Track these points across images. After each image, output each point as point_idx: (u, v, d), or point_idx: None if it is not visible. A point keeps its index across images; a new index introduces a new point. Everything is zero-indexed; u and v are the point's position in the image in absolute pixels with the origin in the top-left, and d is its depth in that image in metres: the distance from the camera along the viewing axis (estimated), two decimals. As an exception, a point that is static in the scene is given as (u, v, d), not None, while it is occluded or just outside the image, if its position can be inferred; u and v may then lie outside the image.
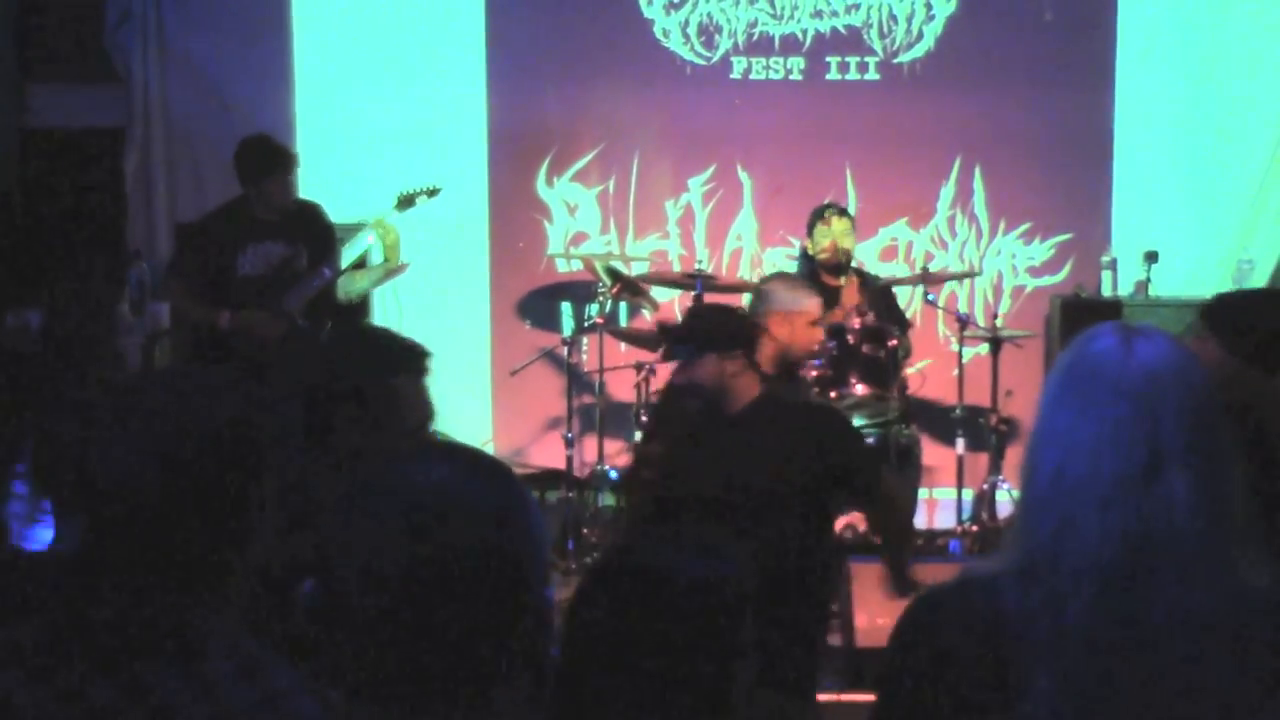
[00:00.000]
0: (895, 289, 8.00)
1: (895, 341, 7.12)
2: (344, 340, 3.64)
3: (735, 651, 2.22)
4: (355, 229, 7.50)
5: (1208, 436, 2.09)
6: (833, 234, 7.68)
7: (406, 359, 3.33)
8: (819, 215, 7.79)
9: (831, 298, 7.50)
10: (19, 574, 3.24)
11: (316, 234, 7.14)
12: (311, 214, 7.22)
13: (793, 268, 8.36)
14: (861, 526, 6.70)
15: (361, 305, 7.80)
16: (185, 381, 2.09)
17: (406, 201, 7.53)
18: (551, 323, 8.70)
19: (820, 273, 7.72)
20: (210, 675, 1.90)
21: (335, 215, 7.48)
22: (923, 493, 8.02)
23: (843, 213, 7.80)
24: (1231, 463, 2.10)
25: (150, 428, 1.97)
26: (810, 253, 7.79)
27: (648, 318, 8.20)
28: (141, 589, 1.94)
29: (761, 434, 4.50)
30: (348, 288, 7.42)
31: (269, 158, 6.98)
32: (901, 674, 2.16)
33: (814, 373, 6.92)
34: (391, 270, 7.65)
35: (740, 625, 2.23)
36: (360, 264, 7.45)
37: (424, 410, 3.34)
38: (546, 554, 1.90)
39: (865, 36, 8.67)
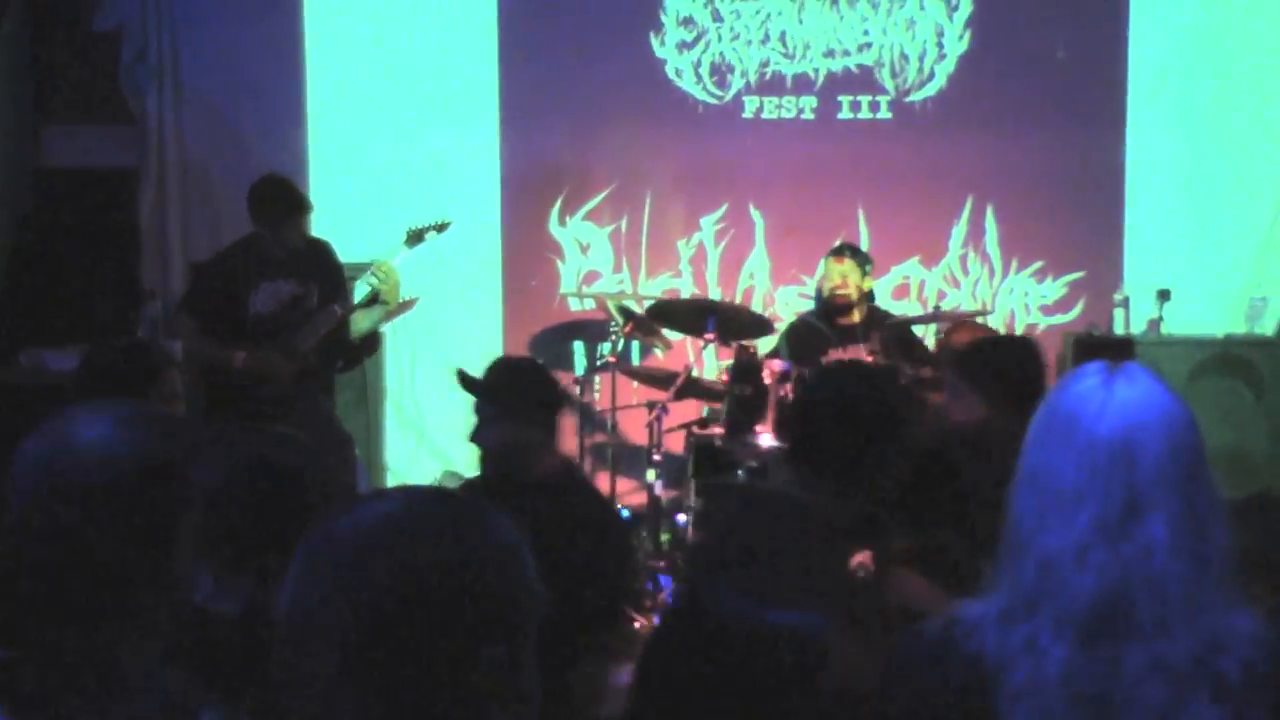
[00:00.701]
0: (915, 330, 8.01)
1: (905, 380, 7.11)
2: None
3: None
4: (367, 268, 7.51)
5: (1186, 481, 2.08)
6: (838, 274, 7.71)
7: None
8: (828, 255, 7.84)
9: (844, 336, 7.52)
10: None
11: (327, 272, 7.15)
12: (322, 252, 7.23)
13: (805, 306, 8.40)
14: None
15: (370, 343, 7.80)
16: (111, 415, 2.07)
17: (416, 237, 7.52)
18: (564, 361, 8.69)
19: (831, 312, 7.75)
20: (135, 713, 1.89)
21: (348, 254, 7.49)
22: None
23: (847, 253, 7.80)
24: (1211, 507, 2.10)
25: (74, 462, 1.96)
26: (822, 293, 7.83)
27: (660, 356, 8.20)
28: (64, 625, 1.93)
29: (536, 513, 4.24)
30: (354, 326, 7.43)
31: (283, 201, 7.00)
32: (884, 713, 2.16)
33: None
34: (395, 309, 7.64)
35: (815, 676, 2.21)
36: (372, 300, 7.45)
37: None
38: (527, 597, 1.75)
39: (877, 75, 8.69)
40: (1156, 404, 2.12)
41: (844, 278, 7.72)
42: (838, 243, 8.08)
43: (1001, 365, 4.42)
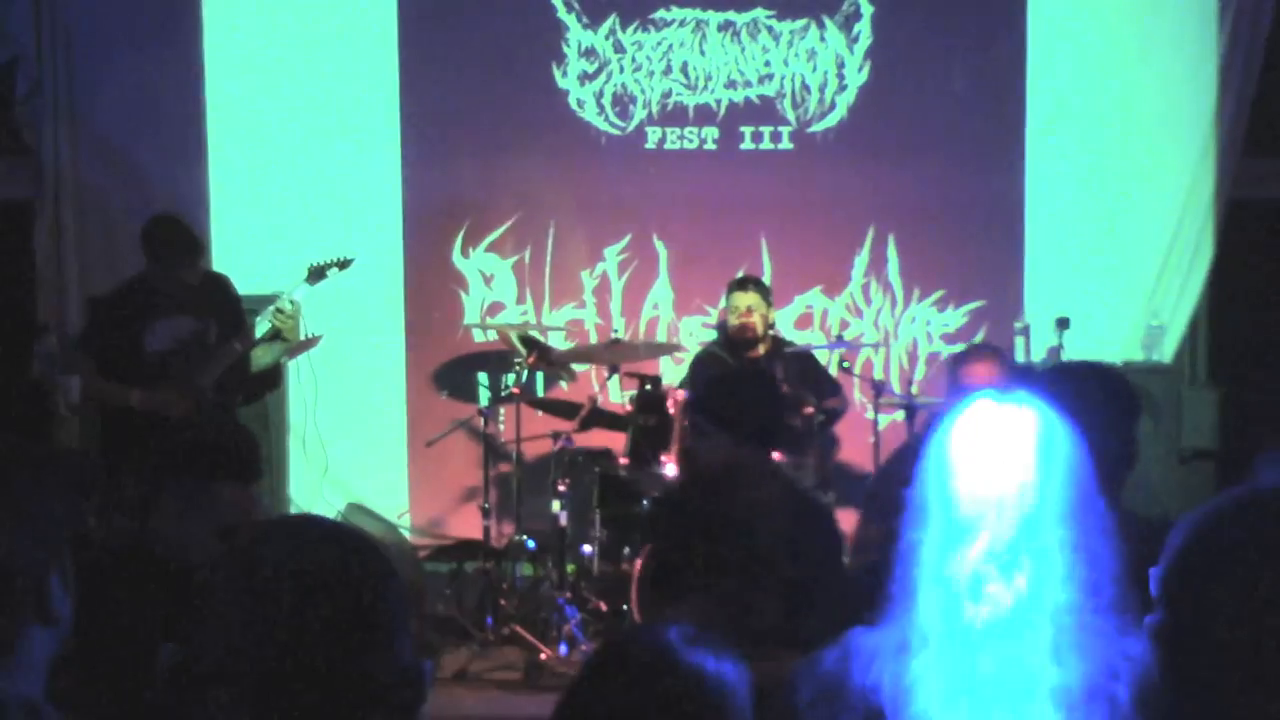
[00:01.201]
0: (816, 355, 8.05)
1: (811, 409, 7.15)
2: None
3: None
4: (269, 301, 7.44)
5: (1077, 508, 2.10)
6: (744, 304, 7.74)
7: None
8: (728, 288, 7.87)
9: (748, 367, 7.54)
10: None
11: (225, 307, 7.07)
12: (220, 287, 7.16)
13: (709, 336, 8.43)
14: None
15: (272, 377, 7.73)
16: None
17: (317, 274, 7.47)
18: (468, 393, 8.67)
19: (738, 344, 7.78)
20: None
21: (250, 288, 7.43)
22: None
23: (750, 285, 7.84)
24: (1103, 531, 2.11)
25: None
26: (724, 324, 7.87)
27: (564, 388, 8.19)
28: None
29: None
30: (255, 362, 7.36)
31: (176, 243, 6.88)
32: None
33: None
34: (296, 347, 7.58)
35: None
36: (273, 335, 7.39)
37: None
38: (408, 623, 1.90)
39: (778, 106, 8.74)
40: (1049, 435, 2.14)
41: (750, 309, 7.76)
42: (740, 274, 8.12)
43: (745, 401, 4.43)
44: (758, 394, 4.53)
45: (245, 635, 1.78)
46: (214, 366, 6.93)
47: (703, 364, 7.89)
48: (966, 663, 2.05)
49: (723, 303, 8.12)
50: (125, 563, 3.45)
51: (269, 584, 1.80)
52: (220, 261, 8.20)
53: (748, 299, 7.79)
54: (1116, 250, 8.76)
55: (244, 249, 8.43)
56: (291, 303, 7.28)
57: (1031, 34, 8.74)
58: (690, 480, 4.37)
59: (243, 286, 7.34)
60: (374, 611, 1.84)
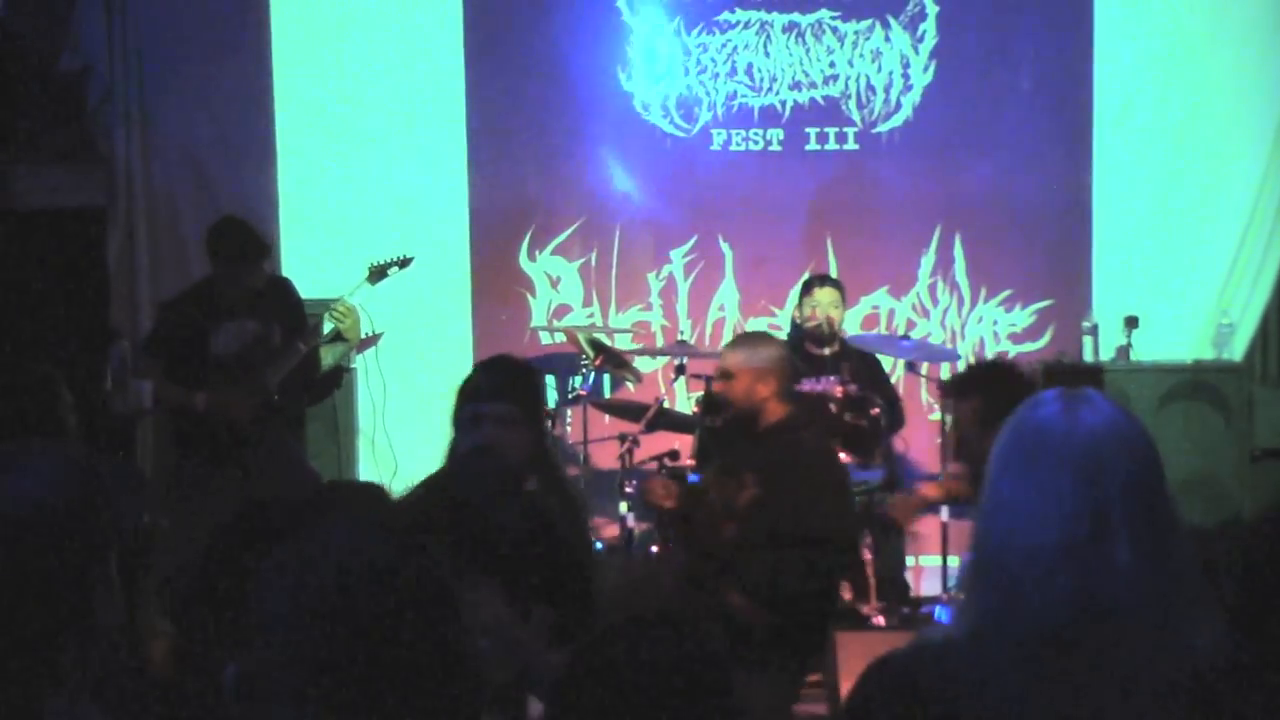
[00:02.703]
0: (881, 359, 8.04)
1: (878, 410, 7.13)
2: None
3: None
4: (331, 304, 7.48)
5: (1150, 503, 2.10)
6: (819, 304, 7.74)
7: None
8: (807, 286, 7.87)
9: (817, 367, 7.54)
10: None
11: (288, 310, 7.13)
12: (284, 290, 7.22)
13: (775, 337, 8.42)
14: (847, 595, 6.68)
15: (336, 378, 7.79)
16: (21, 460, 2.07)
17: (378, 273, 7.51)
18: (535, 396, 8.68)
19: (806, 342, 7.78)
20: None
21: (319, 291, 7.50)
22: (909, 560, 8.02)
23: (830, 282, 7.86)
24: (1174, 528, 2.11)
25: None
26: (799, 322, 7.87)
27: (631, 389, 8.21)
28: None
29: None
30: (321, 361, 7.42)
31: (241, 246, 6.94)
32: None
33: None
34: (361, 344, 7.63)
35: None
36: (337, 335, 7.44)
37: None
38: (463, 620, 1.90)
39: (843, 107, 8.73)
40: (1119, 427, 2.14)
41: (816, 307, 7.75)
42: (807, 274, 8.13)
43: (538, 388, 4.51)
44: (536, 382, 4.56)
45: (307, 642, 1.76)
46: (278, 368, 6.99)
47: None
48: (1039, 656, 2.04)
49: (792, 300, 8.12)
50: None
51: (329, 588, 1.79)
52: (289, 266, 8.27)
53: (828, 296, 7.78)
54: (1186, 248, 8.69)
55: (313, 253, 8.50)
56: (347, 304, 7.33)
57: (1098, 29, 8.69)
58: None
59: (312, 290, 7.41)
60: (441, 611, 1.84)
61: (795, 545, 5.50)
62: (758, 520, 5.56)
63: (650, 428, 7.49)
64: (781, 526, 5.51)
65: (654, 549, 7.16)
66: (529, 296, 8.83)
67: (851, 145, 8.75)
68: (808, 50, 8.72)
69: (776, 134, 8.75)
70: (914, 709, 2.09)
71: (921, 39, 8.71)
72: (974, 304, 8.80)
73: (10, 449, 2.17)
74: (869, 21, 8.70)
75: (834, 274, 8.45)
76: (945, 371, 8.53)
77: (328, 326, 7.39)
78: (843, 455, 7.05)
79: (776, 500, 5.55)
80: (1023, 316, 8.79)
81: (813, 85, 8.73)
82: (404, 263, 7.58)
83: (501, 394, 4.24)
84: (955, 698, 2.06)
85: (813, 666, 5.70)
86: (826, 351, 7.79)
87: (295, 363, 7.04)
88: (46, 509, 1.98)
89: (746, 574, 5.51)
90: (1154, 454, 2.15)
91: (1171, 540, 2.10)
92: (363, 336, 7.53)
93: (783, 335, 8.44)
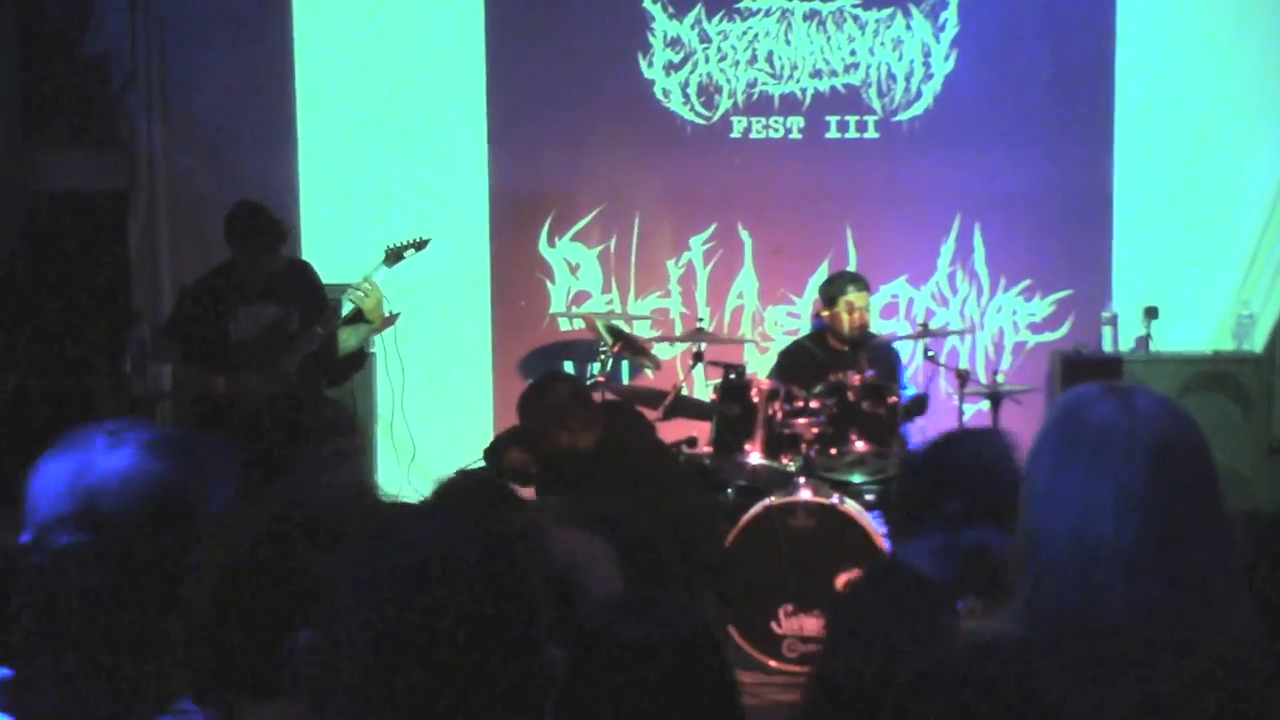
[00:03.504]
0: (897, 347, 8.04)
1: (895, 399, 7.14)
2: None
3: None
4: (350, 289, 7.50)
5: (1214, 496, 2.08)
6: (854, 305, 7.70)
7: None
8: (841, 286, 7.78)
9: (838, 362, 7.54)
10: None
11: (308, 294, 7.13)
12: (303, 274, 7.23)
13: (793, 325, 8.45)
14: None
15: (356, 360, 7.80)
16: (134, 438, 2.08)
17: (394, 256, 7.50)
18: (554, 382, 8.70)
19: (829, 336, 7.78)
20: None
21: (339, 275, 7.50)
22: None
23: (864, 284, 7.82)
24: (1231, 521, 2.09)
25: (95, 486, 1.97)
26: (828, 322, 7.80)
27: (649, 376, 8.21)
28: (78, 648, 1.94)
29: None
30: (340, 345, 7.44)
31: (259, 228, 6.95)
32: None
33: (814, 430, 6.96)
34: (378, 326, 7.63)
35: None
36: (356, 317, 7.45)
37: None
38: (541, 615, 1.89)
39: (864, 95, 8.72)
40: (1180, 421, 2.11)
41: (852, 308, 7.72)
42: (824, 266, 8.15)
43: None
44: None
45: (379, 626, 1.77)
46: (297, 352, 7.00)
47: (792, 356, 7.90)
48: (1116, 655, 2.02)
49: (811, 290, 8.14)
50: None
51: (406, 576, 1.79)
52: (309, 250, 8.30)
53: (864, 299, 7.75)
54: (1206, 238, 8.67)
55: (333, 238, 8.53)
56: (369, 282, 7.33)
57: (1120, 18, 8.67)
58: None
59: (332, 275, 7.42)
60: (519, 604, 1.84)
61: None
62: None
63: (668, 415, 7.50)
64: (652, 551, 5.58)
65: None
66: (548, 283, 8.84)
67: (872, 134, 8.75)
68: (829, 38, 8.71)
69: (797, 122, 8.74)
70: (976, 709, 2.06)
71: (943, 27, 8.69)
72: (993, 293, 8.79)
73: (109, 426, 2.19)
74: (890, 10, 8.69)
75: (852, 263, 8.46)
76: (964, 360, 8.54)
77: (347, 307, 7.41)
78: (860, 444, 7.08)
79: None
80: (1042, 306, 8.78)
81: (833, 73, 8.73)
82: (420, 245, 7.56)
83: None
84: (1036, 704, 2.04)
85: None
86: (846, 346, 7.79)
87: (314, 346, 7.05)
88: (145, 485, 2.01)
89: None
90: (1208, 442, 2.13)
91: (1230, 533, 2.08)
92: (384, 316, 7.53)
93: (802, 323, 8.48)
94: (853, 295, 7.78)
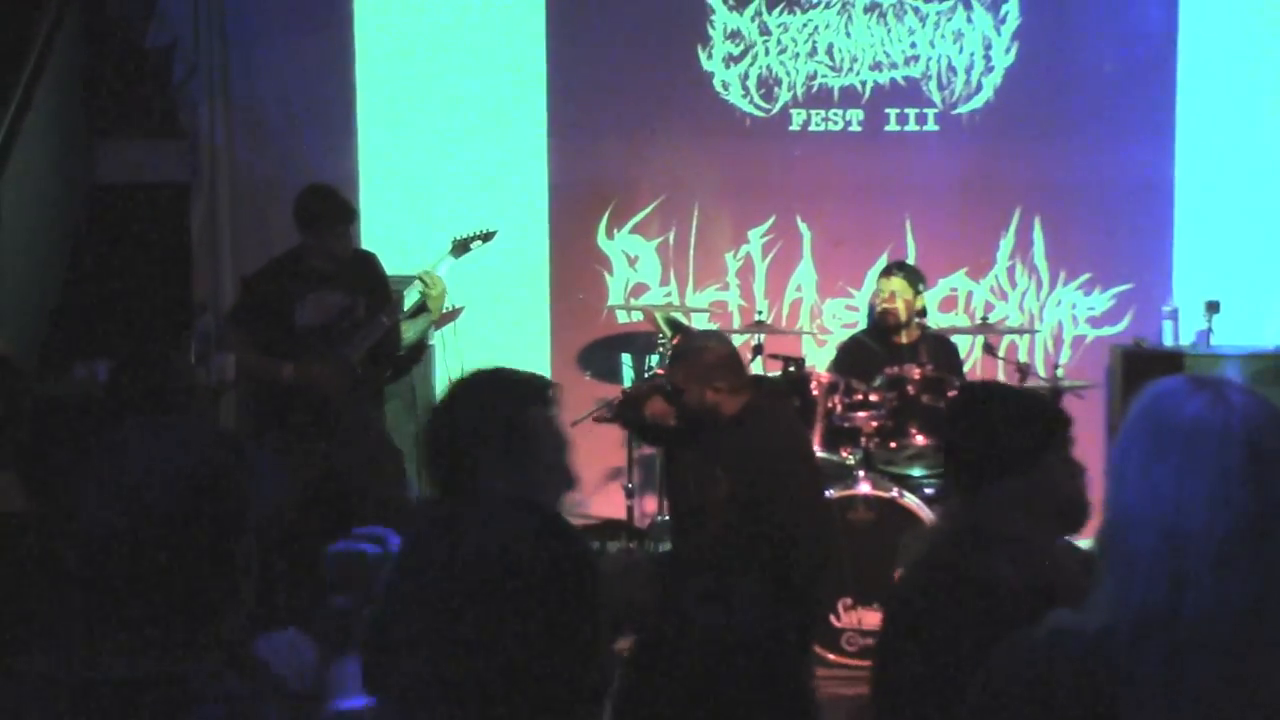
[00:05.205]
0: (956, 342, 8.03)
1: (954, 392, 7.12)
2: (472, 382, 3.51)
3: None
4: (413, 279, 7.54)
5: None
6: (894, 290, 7.73)
7: (536, 391, 3.29)
8: (882, 272, 7.87)
9: (896, 355, 7.54)
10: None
11: (373, 283, 7.17)
12: (368, 263, 7.26)
13: (852, 318, 8.45)
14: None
15: (418, 351, 7.84)
16: (164, 436, 2.10)
17: (461, 246, 7.53)
18: (612, 374, 8.72)
19: (884, 330, 7.79)
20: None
21: (398, 266, 7.54)
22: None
23: (904, 270, 7.84)
24: None
25: (130, 483, 2.00)
26: (876, 308, 7.87)
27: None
28: (126, 645, 1.97)
29: None
30: (402, 336, 7.48)
31: (330, 209, 7.02)
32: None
33: (874, 423, 6.96)
34: (442, 318, 7.67)
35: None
36: (420, 309, 7.49)
37: (559, 441, 3.27)
38: (604, 613, 1.90)
39: (924, 88, 8.70)
40: (1272, 414, 2.10)
41: (893, 295, 7.75)
42: (883, 259, 8.16)
43: None
44: None
45: (444, 613, 1.79)
46: (362, 341, 7.03)
47: (850, 350, 7.90)
48: (1210, 653, 2.01)
49: (869, 283, 8.17)
50: None
51: (472, 566, 1.82)
52: (369, 241, 8.32)
53: (891, 285, 7.79)
54: (1269, 233, 8.61)
55: (393, 229, 8.55)
56: (434, 276, 7.37)
57: (1183, 11, 8.62)
58: None
59: (391, 265, 7.45)
60: (583, 600, 1.85)
61: (769, 546, 5.54)
62: (732, 517, 5.63)
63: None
64: (753, 524, 5.55)
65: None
66: (606, 275, 8.85)
67: (931, 126, 8.72)
68: (889, 30, 8.69)
69: (856, 114, 8.72)
70: (1069, 702, 2.05)
71: (1004, 20, 8.66)
72: (1053, 287, 8.75)
73: (160, 421, 2.22)
74: (951, 2, 8.66)
75: (911, 256, 8.44)
76: (1023, 354, 8.51)
77: (410, 299, 7.44)
78: (920, 438, 7.08)
79: (747, 495, 5.62)
80: (1102, 300, 8.73)
81: (893, 66, 8.70)
82: (487, 236, 7.61)
83: None
84: (1116, 693, 2.03)
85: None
86: (905, 339, 7.79)
87: (378, 336, 7.08)
88: (194, 482, 2.03)
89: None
90: None
91: None
92: (445, 310, 7.56)
93: (860, 316, 8.47)
94: (884, 283, 7.81)
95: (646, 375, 7.26)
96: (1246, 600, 2.00)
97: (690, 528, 6.04)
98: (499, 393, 3.27)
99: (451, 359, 8.41)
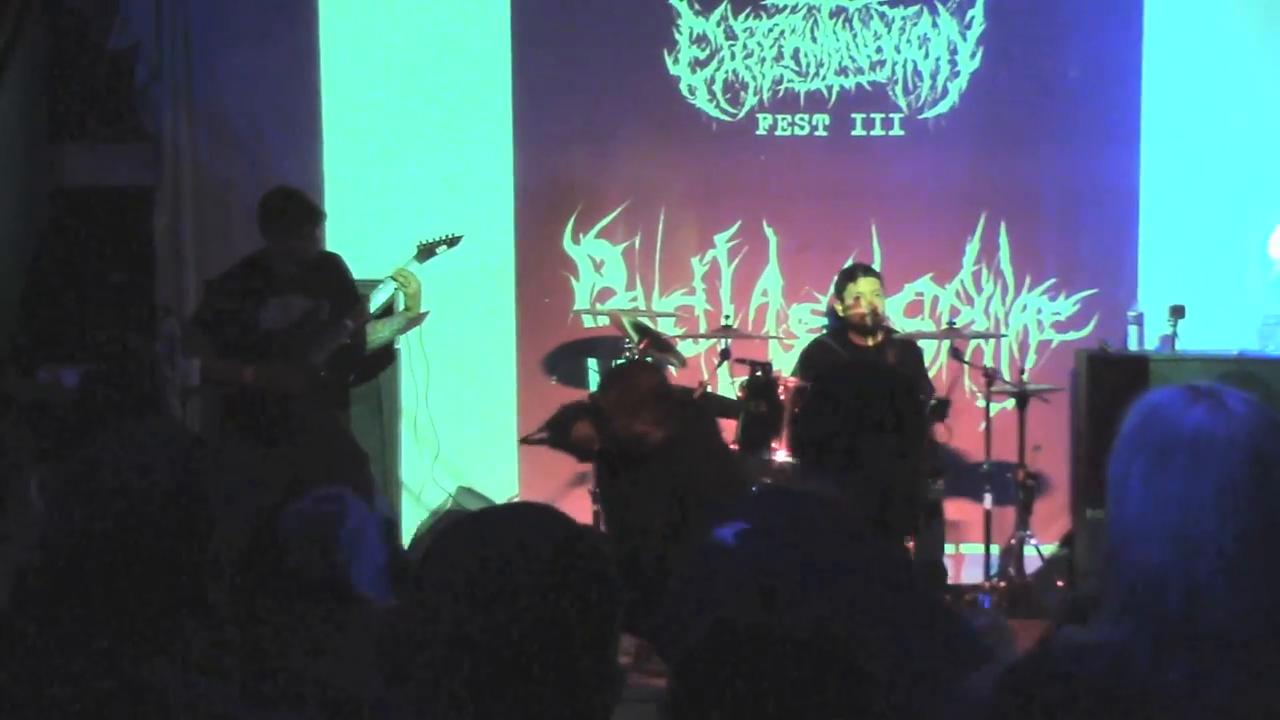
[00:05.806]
0: (922, 346, 8.05)
1: (921, 395, 7.14)
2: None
3: None
4: (379, 284, 7.53)
5: None
6: (861, 293, 7.76)
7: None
8: (849, 275, 7.89)
9: (859, 356, 7.55)
10: None
11: (338, 286, 7.15)
12: (333, 266, 7.24)
13: (818, 323, 8.45)
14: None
15: (385, 356, 7.82)
16: (135, 442, 2.09)
17: (426, 251, 7.52)
18: (578, 378, 8.70)
19: (849, 332, 7.80)
20: None
21: (362, 269, 7.51)
22: (949, 548, 8.04)
23: (871, 272, 7.89)
24: None
25: (100, 490, 1.98)
26: (840, 313, 7.89)
27: (674, 373, 8.21)
28: (96, 651, 1.95)
29: None
30: (370, 337, 7.45)
31: (294, 212, 6.99)
32: None
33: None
34: (412, 319, 7.66)
35: None
36: (386, 311, 7.47)
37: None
38: (613, 626, 1.89)
39: (890, 93, 8.71)
40: (1271, 420, 2.11)
41: (859, 298, 7.79)
42: (849, 262, 8.16)
43: None
44: None
45: (464, 617, 1.78)
46: (326, 344, 7.00)
47: (814, 354, 7.91)
48: (1229, 657, 2.01)
49: (831, 291, 8.16)
50: None
51: (491, 571, 1.81)
52: (334, 244, 8.28)
53: (858, 287, 7.81)
54: (1233, 238, 8.65)
55: (358, 232, 8.51)
56: (408, 274, 7.35)
57: (1148, 16, 8.65)
58: None
59: (357, 269, 7.43)
60: (597, 611, 1.84)
61: None
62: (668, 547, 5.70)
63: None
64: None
65: None
66: (572, 279, 8.83)
67: (897, 131, 8.73)
68: (855, 35, 8.70)
69: (822, 119, 8.73)
70: (1078, 714, 2.06)
71: (969, 25, 8.68)
72: (1018, 292, 8.77)
73: (126, 427, 2.20)
74: (917, 7, 8.68)
75: (877, 261, 8.46)
76: (988, 358, 8.53)
77: (377, 301, 7.42)
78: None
79: (680, 525, 5.70)
80: (1067, 305, 8.76)
81: (859, 71, 8.71)
82: (452, 241, 7.59)
83: None
84: (1141, 705, 2.02)
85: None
86: (870, 342, 7.80)
87: (343, 339, 7.05)
88: (160, 485, 2.01)
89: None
90: None
91: None
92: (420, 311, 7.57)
93: (826, 321, 8.48)
94: (862, 283, 7.83)
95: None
96: (1260, 606, 2.00)
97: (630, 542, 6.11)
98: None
99: (417, 363, 8.39)
